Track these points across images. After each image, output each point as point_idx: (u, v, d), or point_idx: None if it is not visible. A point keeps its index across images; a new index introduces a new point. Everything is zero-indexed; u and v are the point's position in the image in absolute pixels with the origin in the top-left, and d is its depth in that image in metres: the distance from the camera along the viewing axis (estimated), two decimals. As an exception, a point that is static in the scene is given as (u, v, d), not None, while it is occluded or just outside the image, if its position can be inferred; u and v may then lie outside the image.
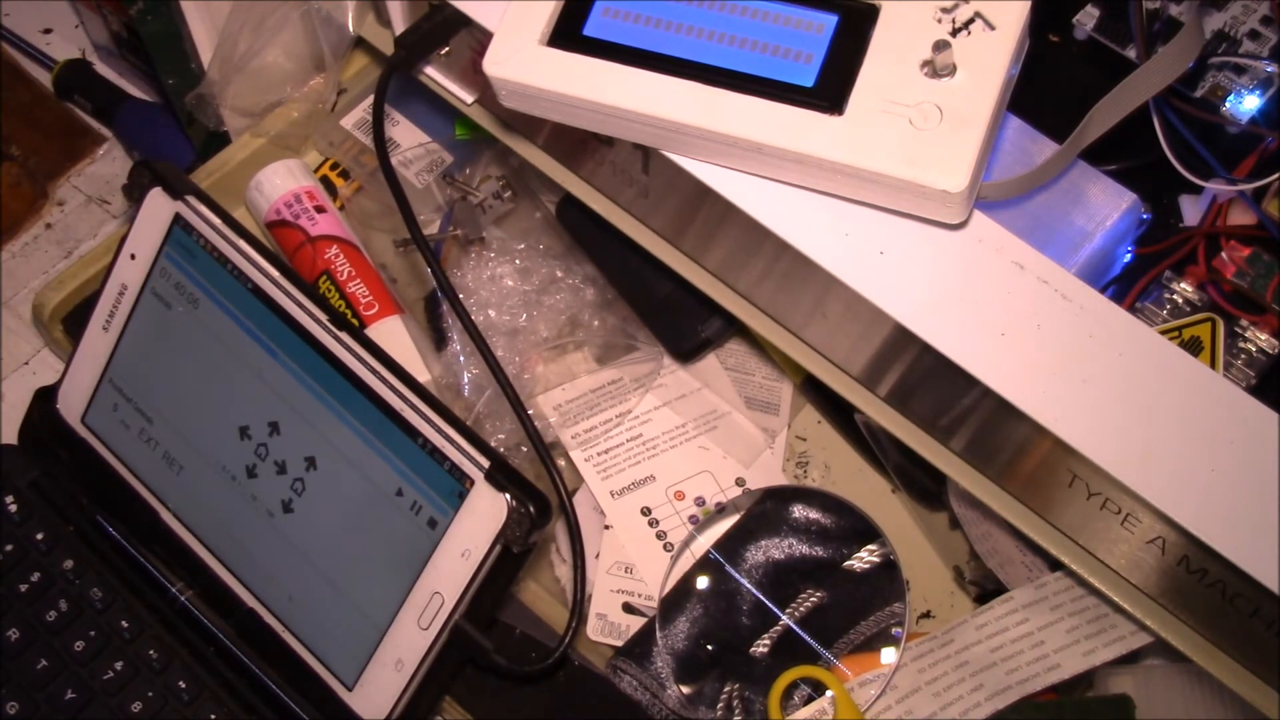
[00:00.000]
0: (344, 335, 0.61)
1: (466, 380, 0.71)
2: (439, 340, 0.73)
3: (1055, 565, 0.60)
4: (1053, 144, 0.59)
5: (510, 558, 0.58)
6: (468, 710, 0.65)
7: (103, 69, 0.89)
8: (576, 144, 0.64)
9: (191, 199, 0.65)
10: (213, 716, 0.64)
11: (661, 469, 0.71)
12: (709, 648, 0.64)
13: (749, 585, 0.65)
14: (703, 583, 0.66)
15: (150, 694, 0.64)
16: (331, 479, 0.62)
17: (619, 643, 0.66)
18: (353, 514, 0.61)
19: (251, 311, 0.63)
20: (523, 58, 0.56)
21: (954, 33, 0.52)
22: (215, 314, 0.64)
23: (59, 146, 0.87)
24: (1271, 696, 0.54)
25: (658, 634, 0.64)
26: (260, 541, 0.64)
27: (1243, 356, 0.61)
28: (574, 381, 0.73)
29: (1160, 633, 0.56)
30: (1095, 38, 0.68)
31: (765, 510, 0.67)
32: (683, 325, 0.71)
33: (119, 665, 0.65)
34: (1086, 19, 0.68)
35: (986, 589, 0.66)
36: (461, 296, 0.71)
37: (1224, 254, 0.62)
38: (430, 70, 0.69)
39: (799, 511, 0.67)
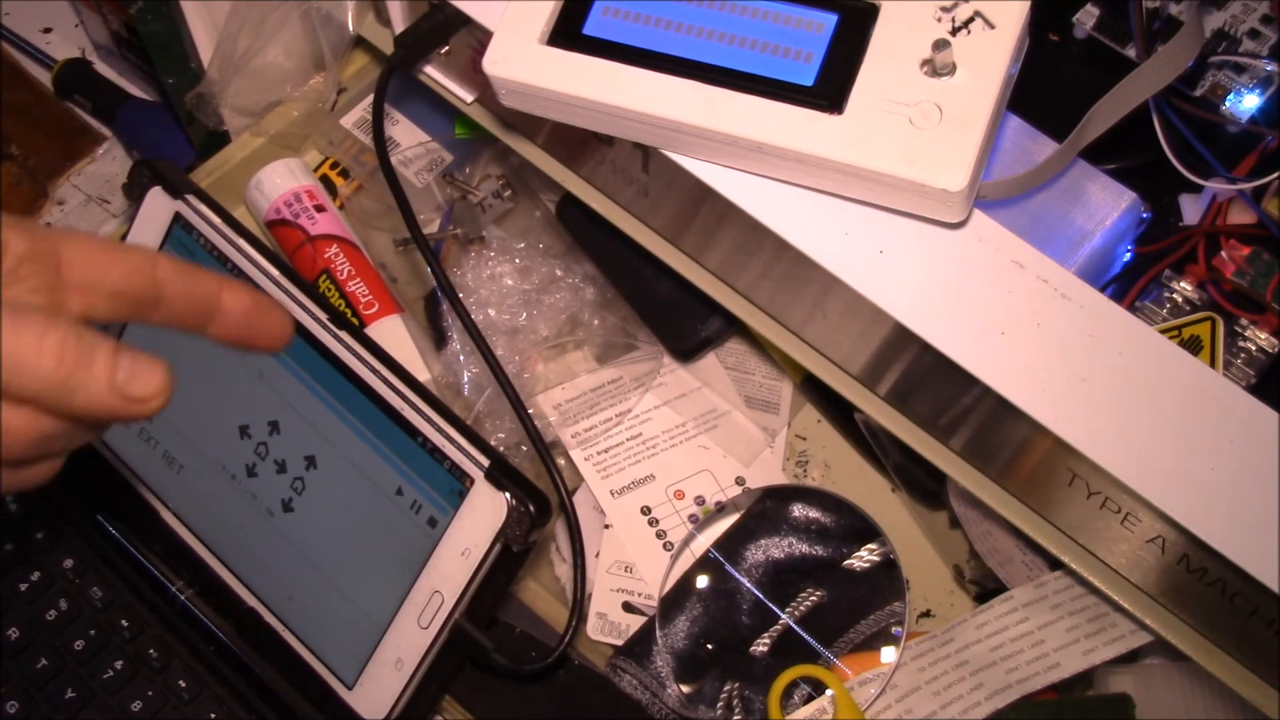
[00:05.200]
0: (344, 334, 0.61)
1: (466, 379, 0.71)
2: (439, 339, 0.73)
3: (1055, 564, 0.60)
4: (1052, 143, 0.59)
5: (510, 556, 0.58)
6: (468, 709, 0.65)
7: (102, 68, 0.89)
8: (576, 143, 0.64)
9: (191, 198, 0.65)
10: (213, 716, 0.64)
11: (661, 468, 0.71)
12: (709, 646, 0.64)
13: (749, 584, 0.65)
14: (703, 582, 0.66)
15: (150, 693, 0.64)
16: (331, 478, 0.62)
17: (619, 642, 0.66)
18: (353, 513, 0.61)
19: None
20: (522, 57, 0.56)
21: (954, 32, 0.52)
22: (215, 313, 0.64)
23: (59, 146, 0.87)
24: (1271, 695, 0.54)
25: (658, 633, 0.64)
26: (260, 541, 0.64)
27: (1242, 355, 0.61)
28: (574, 381, 0.73)
29: (1160, 631, 0.56)
30: (1095, 37, 0.68)
31: (765, 509, 0.67)
32: (683, 324, 0.71)
33: (119, 664, 0.65)
34: (1086, 18, 0.68)
35: (986, 588, 0.66)
36: (461, 295, 0.71)
37: (1224, 253, 0.62)
38: (430, 69, 0.69)
39: (799, 510, 0.67)
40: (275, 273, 0.63)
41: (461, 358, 0.71)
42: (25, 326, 0.35)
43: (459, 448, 0.58)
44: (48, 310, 0.37)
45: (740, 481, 0.70)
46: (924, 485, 0.67)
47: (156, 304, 0.40)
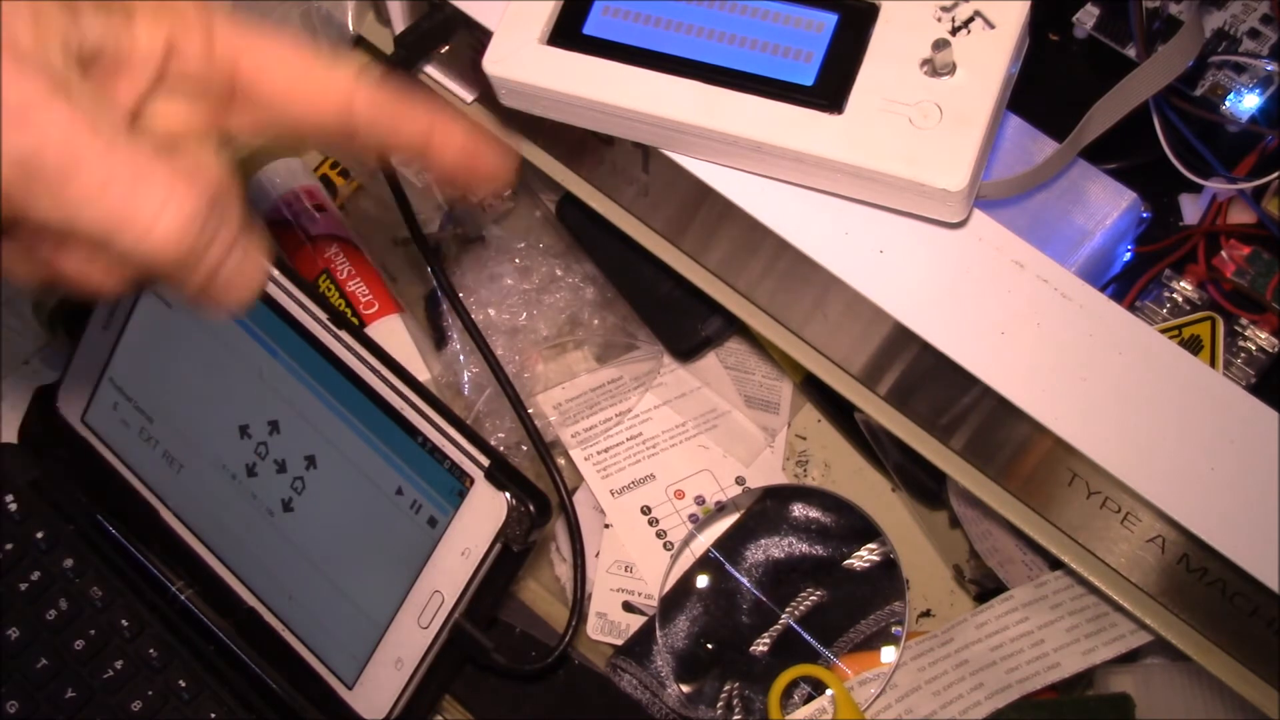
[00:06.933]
0: (344, 334, 0.61)
1: (466, 379, 0.71)
2: (439, 339, 0.73)
3: (1055, 564, 0.60)
4: (1052, 142, 0.59)
5: (510, 556, 0.58)
6: (468, 709, 0.65)
7: (102, 68, 0.89)
8: (576, 143, 0.64)
9: (191, 198, 0.65)
10: (212, 715, 0.64)
11: (661, 468, 0.71)
12: (709, 646, 0.64)
13: (749, 584, 0.65)
14: (703, 581, 0.66)
15: (150, 693, 0.64)
16: (331, 478, 0.62)
17: (619, 641, 0.66)
18: (353, 513, 0.61)
19: (251, 310, 0.63)
20: (522, 56, 0.56)
21: (954, 31, 0.52)
22: (215, 313, 0.64)
23: (59, 145, 0.87)
24: (1271, 695, 0.54)
25: (658, 633, 0.64)
26: (260, 540, 0.64)
27: (1242, 355, 0.61)
28: (574, 380, 0.73)
29: (1160, 631, 0.56)
30: (1095, 36, 0.68)
31: (765, 509, 0.67)
32: (683, 324, 0.71)
33: (119, 664, 0.65)
34: (1086, 17, 0.68)
35: (986, 588, 0.66)
36: (461, 295, 0.71)
37: (1224, 252, 0.62)
38: (430, 69, 0.69)
39: (799, 510, 0.67)
40: (275, 272, 0.63)
41: (461, 358, 0.71)
42: (151, 185, 0.29)
43: (459, 447, 0.58)
44: (196, 139, 0.31)
45: (740, 481, 0.70)
46: (924, 485, 0.67)
47: (348, 139, 0.37)
